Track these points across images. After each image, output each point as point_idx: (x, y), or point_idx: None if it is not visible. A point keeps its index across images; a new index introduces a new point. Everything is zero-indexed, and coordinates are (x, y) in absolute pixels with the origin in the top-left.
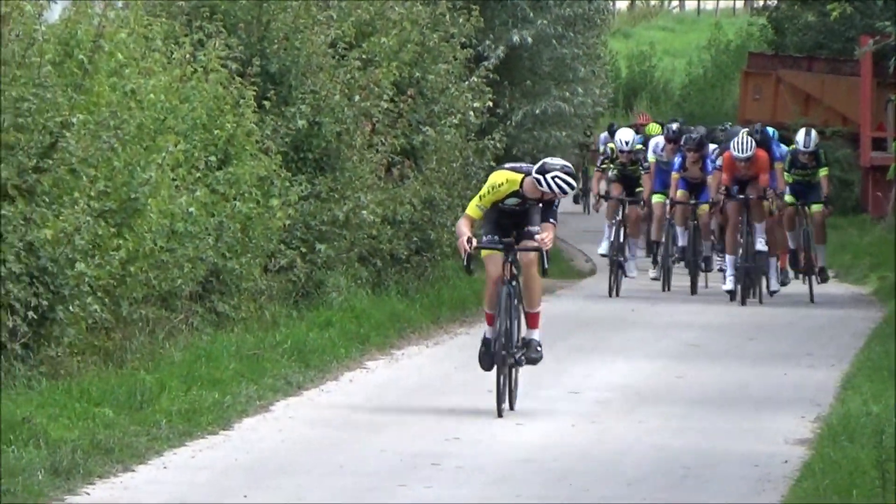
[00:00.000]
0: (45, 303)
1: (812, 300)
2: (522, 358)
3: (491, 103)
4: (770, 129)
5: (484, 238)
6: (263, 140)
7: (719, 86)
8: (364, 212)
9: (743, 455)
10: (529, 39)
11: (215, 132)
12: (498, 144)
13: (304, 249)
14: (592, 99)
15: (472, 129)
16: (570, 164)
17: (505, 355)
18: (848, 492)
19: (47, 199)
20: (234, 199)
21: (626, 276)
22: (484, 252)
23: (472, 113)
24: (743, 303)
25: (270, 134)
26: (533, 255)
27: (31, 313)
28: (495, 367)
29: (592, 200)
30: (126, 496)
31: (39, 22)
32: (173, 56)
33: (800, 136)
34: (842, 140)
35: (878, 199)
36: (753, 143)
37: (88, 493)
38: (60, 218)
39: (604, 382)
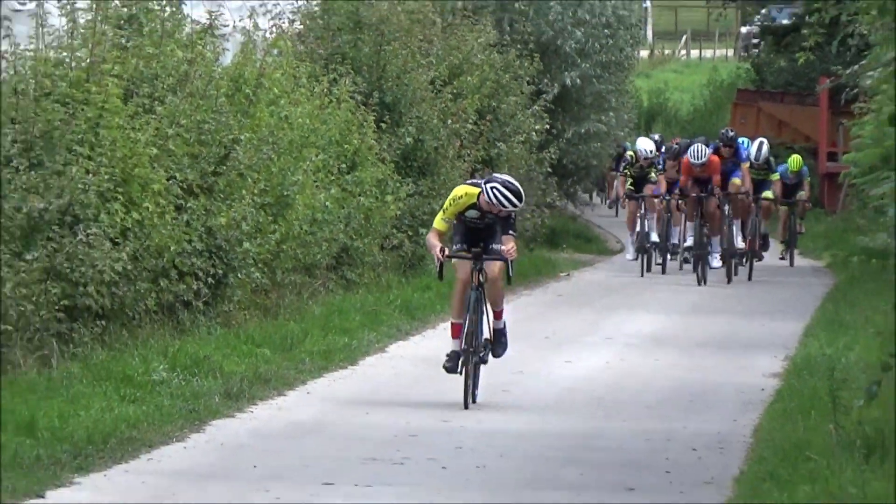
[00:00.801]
0: (220, 272)
1: (750, 278)
2: (487, 355)
3: (548, 125)
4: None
5: (454, 247)
6: (380, 152)
7: (716, 113)
8: None
9: (733, 385)
10: (578, 81)
11: (345, 146)
12: (553, 156)
13: (410, 233)
14: (621, 122)
15: (533, 145)
16: (514, 182)
17: (472, 353)
18: (808, 412)
19: (222, 195)
20: (359, 195)
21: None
22: (454, 261)
23: (533, 133)
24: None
25: (386, 148)
26: (498, 268)
27: (210, 279)
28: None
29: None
30: (280, 415)
31: (216, 64)
32: (314, 90)
33: (753, 149)
34: (805, 153)
35: (832, 198)
36: (707, 151)
37: (252, 412)
38: (232, 209)
39: (631, 331)
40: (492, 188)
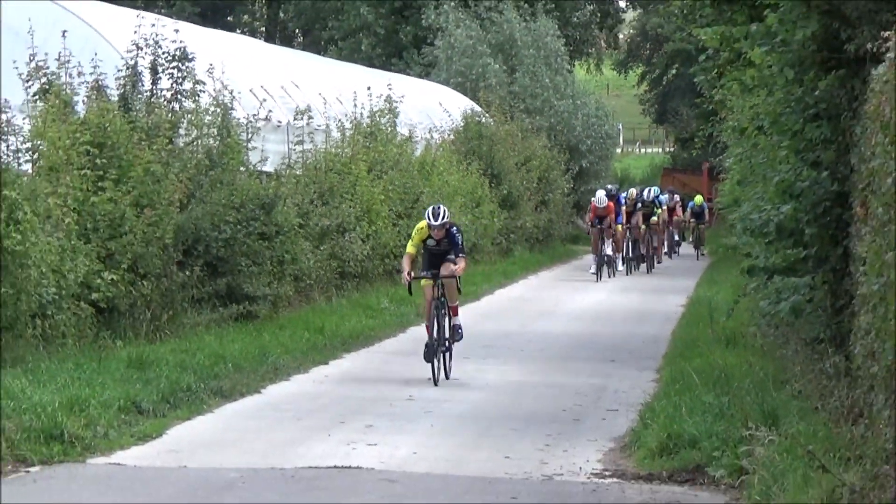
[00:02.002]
0: None
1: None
2: (451, 344)
3: (571, 185)
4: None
5: (421, 272)
6: (491, 198)
7: (654, 179)
8: (528, 222)
9: (661, 311)
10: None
11: (474, 195)
12: (573, 199)
13: (505, 238)
14: (605, 184)
15: (564, 194)
16: (438, 205)
17: (437, 348)
18: (697, 323)
19: (414, 218)
20: (481, 219)
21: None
22: (422, 281)
23: (564, 188)
24: (598, 278)
25: (493, 196)
26: (451, 283)
27: None
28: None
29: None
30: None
31: (412, 155)
32: (460, 168)
33: (645, 194)
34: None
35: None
36: (606, 198)
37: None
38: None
39: (604, 290)
40: (426, 211)
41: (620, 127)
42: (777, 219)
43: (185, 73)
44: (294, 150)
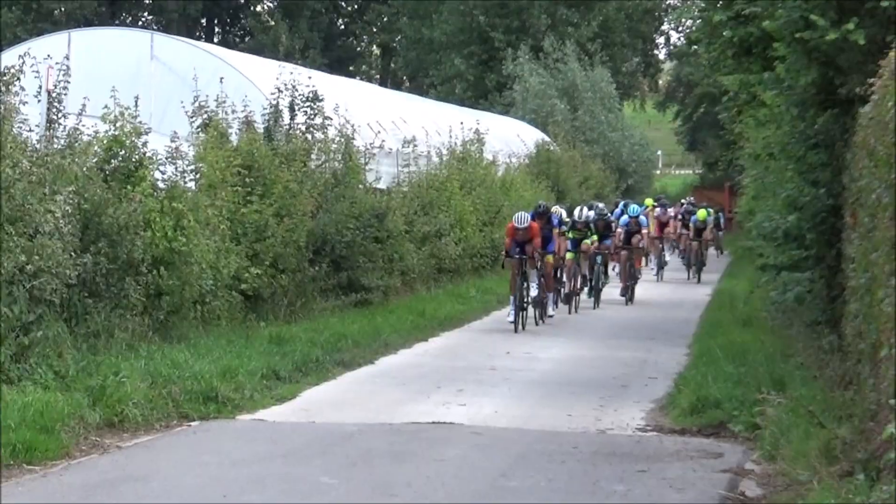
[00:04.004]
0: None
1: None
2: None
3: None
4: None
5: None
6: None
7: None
8: None
9: (692, 299)
10: (633, 182)
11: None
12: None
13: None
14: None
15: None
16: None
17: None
18: (721, 308)
19: (497, 224)
20: None
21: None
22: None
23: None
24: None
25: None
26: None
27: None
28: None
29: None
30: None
31: (496, 174)
32: (533, 185)
33: (576, 212)
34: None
35: (728, 227)
36: (529, 218)
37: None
38: (464, 232)
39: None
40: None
41: (659, 153)
42: (784, 226)
43: (316, 111)
44: (402, 171)
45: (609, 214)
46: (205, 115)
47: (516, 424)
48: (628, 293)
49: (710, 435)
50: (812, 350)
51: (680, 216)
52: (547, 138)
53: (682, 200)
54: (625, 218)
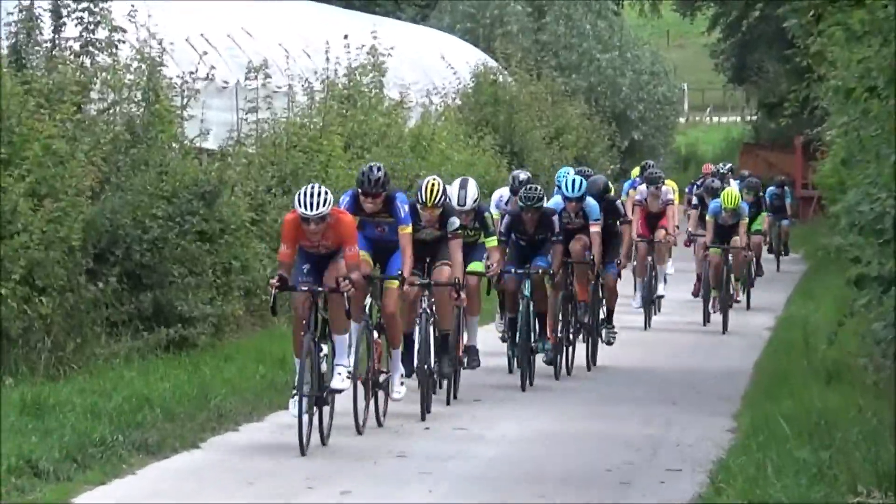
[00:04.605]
0: None
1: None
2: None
3: (619, 164)
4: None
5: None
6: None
7: (729, 158)
8: None
9: (740, 334)
10: (641, 137)
11: (487, 178)
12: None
13: None
14: (665, 164)
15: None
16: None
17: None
18: (790, 351)
19: None
20: None
21: None
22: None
23: (609, 170)
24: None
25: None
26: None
27: None
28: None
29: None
30: None
31: (405, 127)
32: (469, 143)
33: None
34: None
35: (804, 213)
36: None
37: None
38: None
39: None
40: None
41: (685, 88)
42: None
43: (99, 18)
44: (245, 119)
45: (541, 195)
46: None
47: None
48: (562, 359)
49: None
50: None
51: (694, 201)
52: (492, 63)
53: (714, 168)
54: (556, 201)
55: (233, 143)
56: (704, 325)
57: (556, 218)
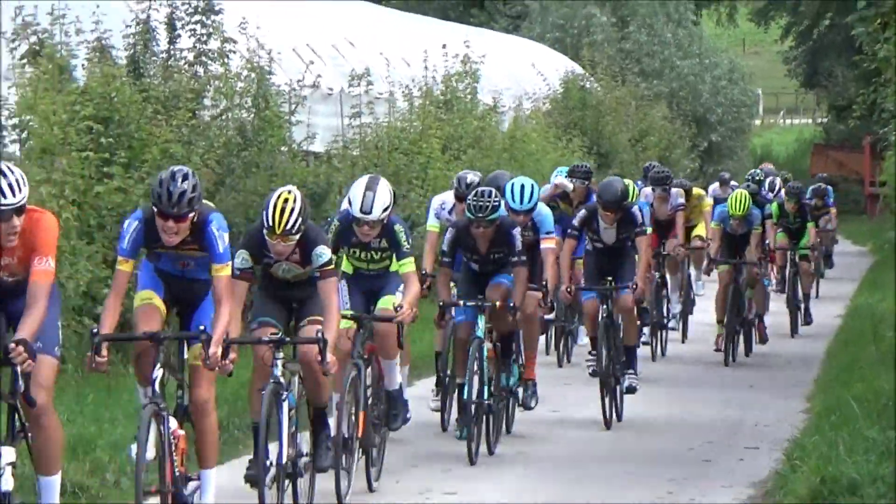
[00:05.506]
0: None
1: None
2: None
3: (700, 164)
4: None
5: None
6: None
7: (801, 158)
8: None
9: (826, 312)
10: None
11: None
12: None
13: None
14: (741, 165)
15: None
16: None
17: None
18: (860, 339)
19: None
20: None
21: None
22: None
23: (689, 169)
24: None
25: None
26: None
27: None
28: None
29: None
30: None
31: (496, 129)
32: (558, 145)
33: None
34: (856, 182)
35: (872, 209)
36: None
37: None
38: None
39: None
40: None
41: (759, 93)
42: None
43: (211, 30)
44: (349, 124)
45: (497, 202)
46: (33, 39)
47: None
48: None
49: None
50: None
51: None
52: (580, 70)
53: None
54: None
55: (338, 147)
56: (726, 364)
57: (516, 232)
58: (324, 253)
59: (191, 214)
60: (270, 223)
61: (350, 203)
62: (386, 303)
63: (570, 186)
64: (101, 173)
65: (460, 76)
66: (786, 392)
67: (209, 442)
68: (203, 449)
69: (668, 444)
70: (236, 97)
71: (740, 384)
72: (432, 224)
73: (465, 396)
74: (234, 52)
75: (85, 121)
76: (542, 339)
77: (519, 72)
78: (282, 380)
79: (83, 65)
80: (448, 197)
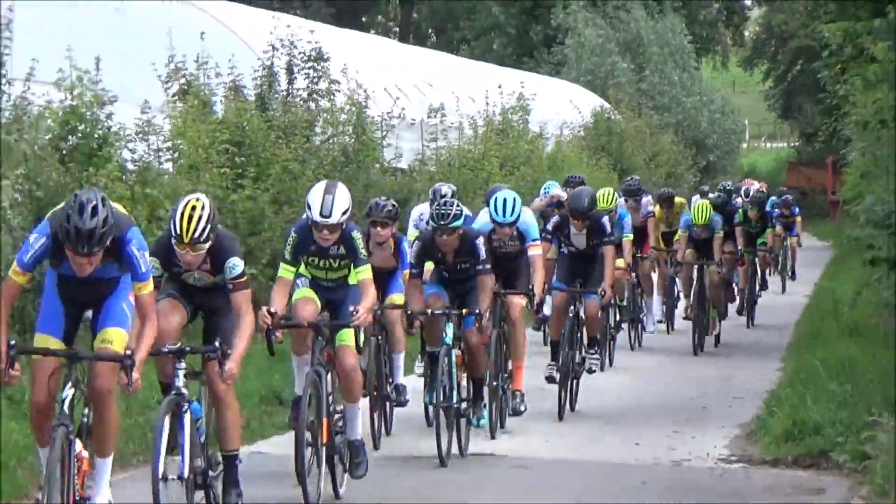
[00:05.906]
0: None
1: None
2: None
3: (699, 178)
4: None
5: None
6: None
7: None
8: None
9: (785, 302)
10: (715, 158)
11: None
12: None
13: None
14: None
15: (690, 187)
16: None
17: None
18: (821, 315)
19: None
20: None
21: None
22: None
23: (691, 181)
24: None
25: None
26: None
27: None
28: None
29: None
30: None
31: (542, 151)
32: (589, 163)
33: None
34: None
35: (834, 213)
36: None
37: None
38: None
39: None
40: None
41: (746, 123)
42: None
43: (321, 73)
44: (427, 146)
45: (459, 212)
46: (182, 80)
47: (571, 455)
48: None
49: (809, 467)
50: None
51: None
52: (606, 105)
53: (758, 186)
54: (483, 221)
55: (418, 164)
56: (696, 354)
57: (480, 242)
58: (237, 265)
59: (105, 246)
60: (178, 231)
61: (309, 208)
62: (344, 337)
63: (564, 196)
64: (235, 185)
65: (514, 110)
66: (765, 355)
67: (108, 431)
68: (101, 438)
69: (674, 394)
70: (340, 126)
71: (729, 352)
72: (411, 234)
73: (437, 400)
74: (339, 91)
75: (222, 144)
76: (540, 334)
77: (560, 107)
78: (184, 391)
79: (221, 101)
80: (426, 208)
